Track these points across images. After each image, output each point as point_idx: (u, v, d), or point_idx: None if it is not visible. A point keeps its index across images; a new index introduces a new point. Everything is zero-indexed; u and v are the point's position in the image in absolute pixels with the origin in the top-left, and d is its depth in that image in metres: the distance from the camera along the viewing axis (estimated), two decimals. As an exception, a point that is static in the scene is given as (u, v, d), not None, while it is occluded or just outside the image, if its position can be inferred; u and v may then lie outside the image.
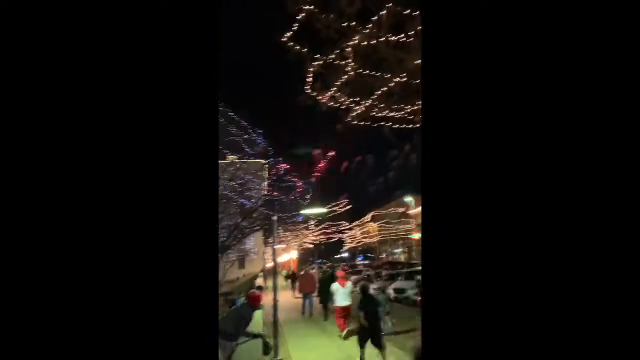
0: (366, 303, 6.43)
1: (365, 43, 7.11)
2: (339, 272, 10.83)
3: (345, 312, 9.03)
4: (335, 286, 9.29)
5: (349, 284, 9.33)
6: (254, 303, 6.26)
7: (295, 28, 7.63)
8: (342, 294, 9.02)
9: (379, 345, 5.94)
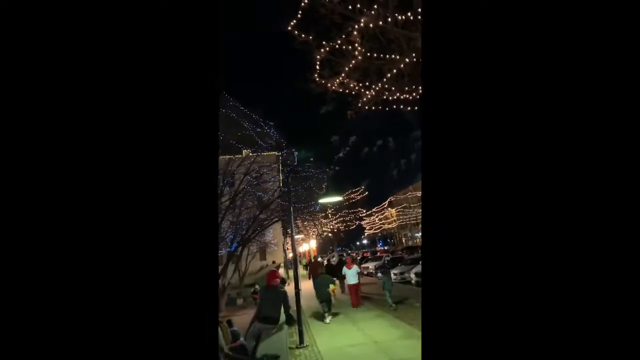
0: (318, 284, 10.38)
1: (372, 25, 6.91)
2: (347, 258, 13.47)
3: (353, 288, 11.63)
4: (344, 269, 11.98)
5: (355, 267, 11.94)
6: (270, 281, 6.40)
7: (300, 16, 7.50)
8: (350, 275, 11.58)
9: (328, 305, 10.18)
